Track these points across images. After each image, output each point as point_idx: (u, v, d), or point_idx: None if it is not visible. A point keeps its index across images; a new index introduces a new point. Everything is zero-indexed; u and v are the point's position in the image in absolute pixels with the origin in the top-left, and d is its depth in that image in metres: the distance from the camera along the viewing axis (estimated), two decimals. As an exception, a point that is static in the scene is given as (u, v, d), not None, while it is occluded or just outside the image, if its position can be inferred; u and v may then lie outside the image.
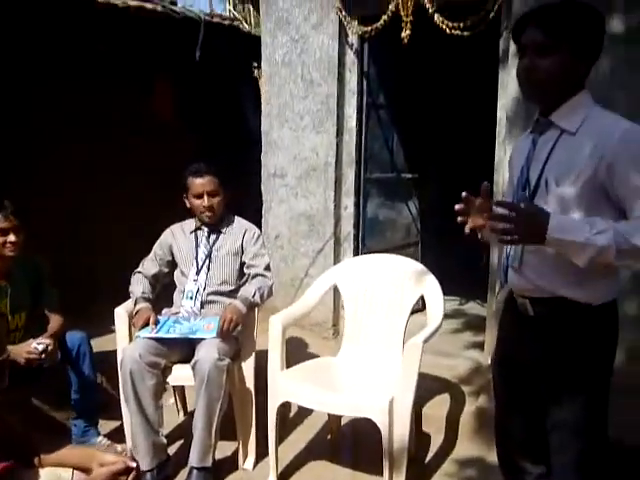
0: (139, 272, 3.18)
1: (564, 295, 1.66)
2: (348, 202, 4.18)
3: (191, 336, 2.83)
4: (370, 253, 4.24)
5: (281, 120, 4.28)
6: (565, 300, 1.66)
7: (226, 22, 4.79)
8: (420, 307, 2.98)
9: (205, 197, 3.02)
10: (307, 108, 4.14)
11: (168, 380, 2.86)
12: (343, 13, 3.88)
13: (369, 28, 3.81)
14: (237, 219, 3.23)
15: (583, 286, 1.62)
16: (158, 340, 2.84)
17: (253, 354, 2.90)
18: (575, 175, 1.56)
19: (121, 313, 2.98)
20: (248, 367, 2.90)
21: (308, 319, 3.69)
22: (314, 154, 4.15)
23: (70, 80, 4.31)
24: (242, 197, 4.55)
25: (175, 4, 4.41)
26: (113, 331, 3.11)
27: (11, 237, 2.92)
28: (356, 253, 4.22)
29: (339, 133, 4.08)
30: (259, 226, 4.47)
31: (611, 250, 1.46)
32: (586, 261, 1.49)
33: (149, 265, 3.19)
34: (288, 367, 2.79)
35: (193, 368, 2.73)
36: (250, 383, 2.91)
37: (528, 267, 1.69)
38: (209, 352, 2.70)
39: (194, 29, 4.62)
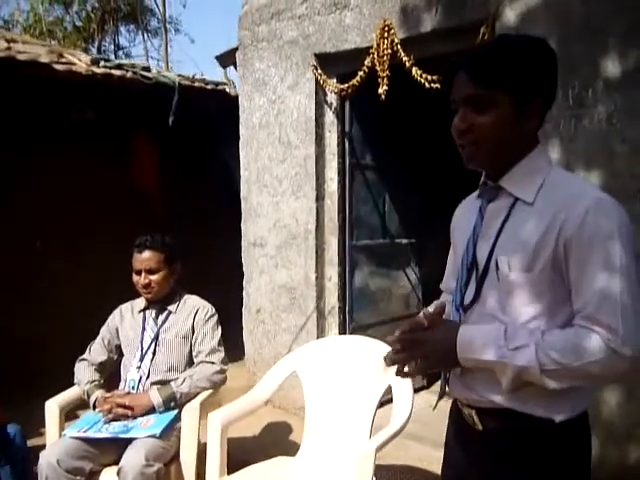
0: (84, 359, 2.85)
1: (514, 408, 1.26)
2: (332, 272, 3.81)
3: (122, 435, 2.45)
4: (360, 327, 3.84)
5: (260, 185, 4.00)
6: (518, 413, 1.25)
7: (209, 86, 4.65)
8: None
9: (142, 274, 2.72)
10: (285, 172, 3.86)
11: (95, 487, 2.47)
12: (319, 71, 3.65)
13: (345, 85, 3.55)
14: (189, 297, 2.90)
15: (543, 399, 1.23)
16: (87, 440, 2.48)
17: (194, 455, 2.49)
18: (532, 256, 1.22)
19: (52, 407, 2.64)
20: (188, 471, 2.49)
21: (284, 397, 3.27)
22: (294, 220, 3.84)
23: (42, 148, 4.18)
24: (231, 266, 4.29)
25: (148, 70, 4.27)
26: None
27: None
28: (342, 328, 3.83)
29: (319, 197, 3.77)
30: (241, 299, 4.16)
31: (533, 371, 1.16)
32: (508, 384, 1.18)
33: (96, 351, 2.87)
34: (246, 464, 2.39)
35: (118, 475, 2.34)
36: (191, 490, 2.49)
37: (471, 372, 1.29)
38: (135, 457, 2.31)
39: (182, 93, 4.47)
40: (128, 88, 3.97)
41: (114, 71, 3.88)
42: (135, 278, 2.77)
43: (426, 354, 1.26)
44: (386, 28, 3.32)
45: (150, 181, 4.58)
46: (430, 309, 1.40)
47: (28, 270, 4.17)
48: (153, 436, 2.42)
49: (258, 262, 4.05)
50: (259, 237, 4.04)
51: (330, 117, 3.77)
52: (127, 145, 4.57)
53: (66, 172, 4.34)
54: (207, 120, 4.45)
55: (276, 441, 3.25)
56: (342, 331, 3.81)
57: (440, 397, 1.44)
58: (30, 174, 4.23)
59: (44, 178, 4.29)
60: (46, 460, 2.38)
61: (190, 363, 2.77)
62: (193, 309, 2.83)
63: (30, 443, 2.86)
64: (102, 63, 3.87)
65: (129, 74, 3.98)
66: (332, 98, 3.74)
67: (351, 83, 3.50)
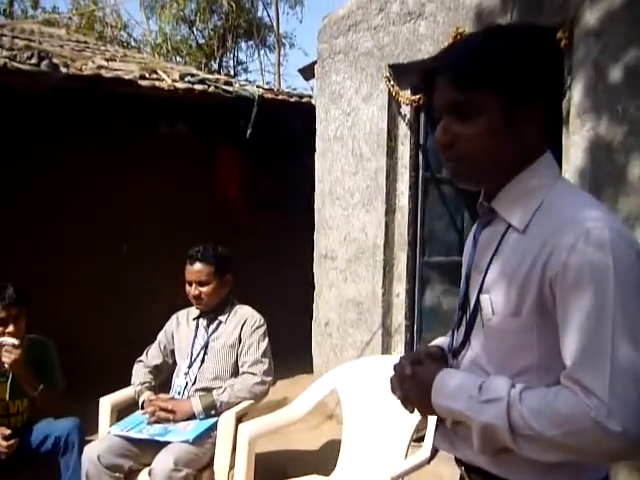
0: (141, 361, 2.98)
1: (499, 475, 1.06)
2: (400, 289, 3.69)
3: (159, 438, 2.52)
4: (429, 348, 3.68)
5: (332, 198, 3.97)
6: None
7: (293, 99, 4.71)
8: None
9: (193, 285, 2.79)
10: (357, 185, 3.80)
11: (134, 486, 2.56)
12: (391, 82, 3.56)
13: (418, 97, 3.43)
14: (241, 307, 2.93)
15: (535, 468, 1.00)
16: (129, 439, 2.58)
17: (227, 463, 2.50)
18: (518, 298, 1.00)
19: (105, 404, 2.78)
20: (220, 479, 2.50)
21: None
22: (363, 234, 3.77)
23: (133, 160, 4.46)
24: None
25: (231, 84, 4.40)
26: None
27: (10, 327, 2.89)
28: (410, 347, 3.68)
29: (389, 211, 3.66)
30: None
31: (501, 431, 0.95)
32: (478, 444, 1.00)
33: (153, 355, 2.99)
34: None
35: (149, 476, 2.41)
36: (224, 500, 2.50)
37: (455, 424, 1.10)
38: (165, 461, 2.36)
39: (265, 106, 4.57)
40: (209, 102, 4.14)
41: (196, 86, 4.07)
42: (187, 288, 2.85)
43: (406, 391, 1.13)
44: (458, 36, 3.17)
45: (233, 190, 4.73)
46: (435, 343, 1.29)
47: (116, 273, 4.45)
48: (186, 441, 2.46)
49: (328, 275, 4.02)
50: (330, 250, 4.00)
51: (403, 129, 3.67)
52: (212, 156, 4.76)
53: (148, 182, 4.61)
54: (289, 132, 4.51)
55: (312, 458, 3.18)
56: (409, 350, 3.66)
57: (434, 452, 1.29)
58: (125, 186, 4.54)
59: (134, 183, 4.57)
60: (88, 455, 2.51)
61: (235, 373, 2.80)
62: (242, 319, 2.86)
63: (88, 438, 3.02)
64: (187, 78, 4.07)
65: (211, 88, 4.14)
66: (406, 110, 3.64)
67: (423, 94, 3.39)
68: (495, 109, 1.02)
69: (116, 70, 3.80)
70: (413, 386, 1.11)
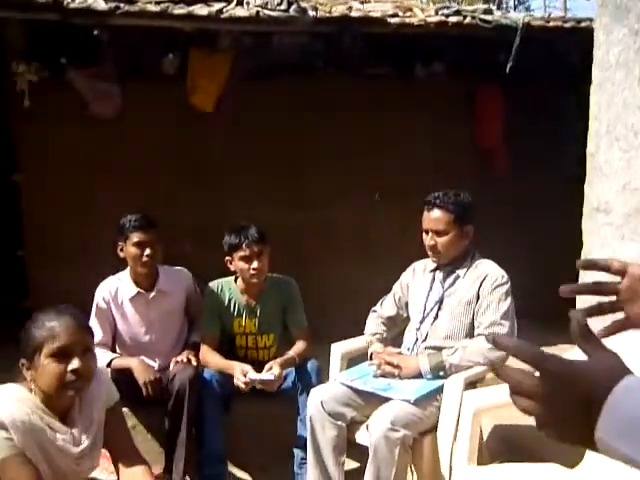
0: (374, 311, 2.89)
1: None
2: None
3: (380, 393, 2.39)
4: None
5: (610, 138, 3.27)
6: None
7: (567, 24, 3.95)
8: None
9: (429, 234, 2.55)
10: (643, 121, 3.05)
11: (356, 436, 2.48)
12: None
13: None
14: (482, 262, 2.61)
15: None
16: (354, 389, 2.50)
17: (451, 432, 2.25)
18: None
19: (336, 351, 2.75)
20: (444, 447, 2.26)
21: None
22: (649, 183, 3.03)
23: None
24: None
25: (490, 12, 3.85)
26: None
27: (254, 264, 3.05)
28: None
29: (685, 153, 2.87)
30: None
31: None
32: None
33: (387, 306, 2.87)
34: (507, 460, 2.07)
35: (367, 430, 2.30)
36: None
37: None
38: (382, 418, 2.23)
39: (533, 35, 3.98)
40: (466, 36, 3.74)
41: (451, 18, 3.69)
42: (423, 237, 2.63)
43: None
44: None
45: (492, 136, 4.27)
46: None
47: (366, 220, 4.46)
48: (407, 401, 2.27)
49: (600, 232, 3.36)
50: (604, 202, 3.33)
51: None
52: (471, 97, 4.36)
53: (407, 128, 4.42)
54: (559, 65, 3.86)
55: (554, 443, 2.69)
56: None
57: None
58: (380, 138, 4.46)
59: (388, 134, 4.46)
60: (313, 399, 2.50)
61: (470, 334, 2.51)
62: (482, 275, 2.54)
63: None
64: (441, 12, 3.70)
65: (467, 20, 3.72)
66: None
67: None
68: None
69: (370, 11, 3.67)
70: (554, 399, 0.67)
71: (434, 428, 2.34)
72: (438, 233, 2.55)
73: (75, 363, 1.79)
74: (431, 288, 2.70)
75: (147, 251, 3.04)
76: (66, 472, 1.87)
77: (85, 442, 1.90)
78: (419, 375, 2.43)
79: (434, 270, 2.72)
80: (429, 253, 2.62)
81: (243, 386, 2.79)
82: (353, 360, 2.84)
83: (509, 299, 2.48)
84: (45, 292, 4.46)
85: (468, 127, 4.38)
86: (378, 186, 4.52)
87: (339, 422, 2.47)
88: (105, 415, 1.99)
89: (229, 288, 3.21)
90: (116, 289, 3.19)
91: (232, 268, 3.13)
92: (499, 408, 2.13)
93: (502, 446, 2.32)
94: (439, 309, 2.62)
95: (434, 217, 2.57)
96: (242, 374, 2.81)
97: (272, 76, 4.16)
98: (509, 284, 2.53)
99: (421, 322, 2.66)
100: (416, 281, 2.78)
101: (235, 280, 3.23)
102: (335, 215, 4.51)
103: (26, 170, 4.53)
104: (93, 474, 2.07)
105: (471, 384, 2.37)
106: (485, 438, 2.30)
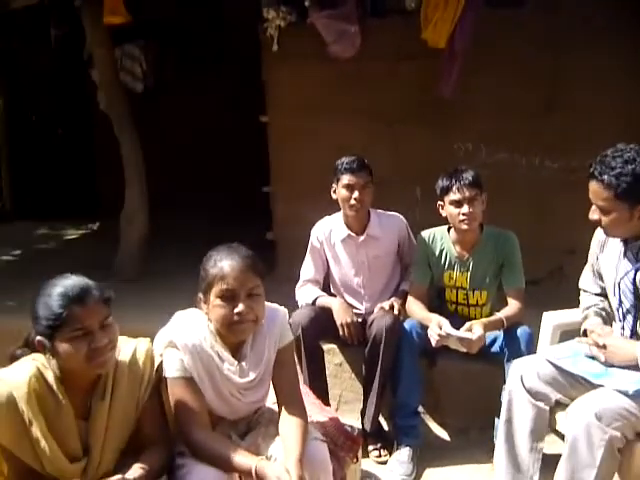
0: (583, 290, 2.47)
1: None
2: None
3: (590, 378, 2.01)
4: None
5: None
6: None
7: None
8: None
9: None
10: None
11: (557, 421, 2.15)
12: None
13: None
14: None
15: None
16: (561, 369, 2.15)
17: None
18: None
19: (547, 321, 2.42)
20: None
21: None
22: None
23: None
24: None
25: None
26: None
27: (464, 208, 2.86)
28: None
29: None
30: None
31: None
32: None
33: (589, 281, 2.43)
34: None
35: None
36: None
37: None
38: (584, 408, 1.86)
39: None
40: None
41: None
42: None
43: None
44: None
45: None
46: None
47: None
48: (624, 393, 1.87)
49: None
50: None
51: None
52: None
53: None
54: None
55: None
56: None
57: None
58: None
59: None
60: (513, 371, 2.24)
61: None
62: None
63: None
64: None
65: None
66: None
67: None
68: None
69: None
70: None
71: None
72: (603, 211, 2.02)
73: (240, 307, 1.84)
74: (620, 259, 2.13)
75: (355, 194, 3.00)
76: (230, 401, 1.96)
77: (251, 376, 1.96)
78: (634, 366, 1.95)
79: (626, 243, 2.13)
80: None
81: (436, 338, 2.63)
82: (567, 334, 2.44)
83: None
84: (287, 226, 4.80)
85: None
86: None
87: (540, 403, 2.15)
88: (275, 354, 2.03)
89: (441, 238, 3.02)
90: (330, 230, 3.23)
91: (443, 214, 2.94)
92: None
93: None
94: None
95: (590, 190, 2.04)
96: (438, 326, 2.64)
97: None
98: None
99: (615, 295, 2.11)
100: (606, 251, 2.21)
101: (448, 230, 3.03)
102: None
103: (273, 112, 4.81)
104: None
105: None
106: None
